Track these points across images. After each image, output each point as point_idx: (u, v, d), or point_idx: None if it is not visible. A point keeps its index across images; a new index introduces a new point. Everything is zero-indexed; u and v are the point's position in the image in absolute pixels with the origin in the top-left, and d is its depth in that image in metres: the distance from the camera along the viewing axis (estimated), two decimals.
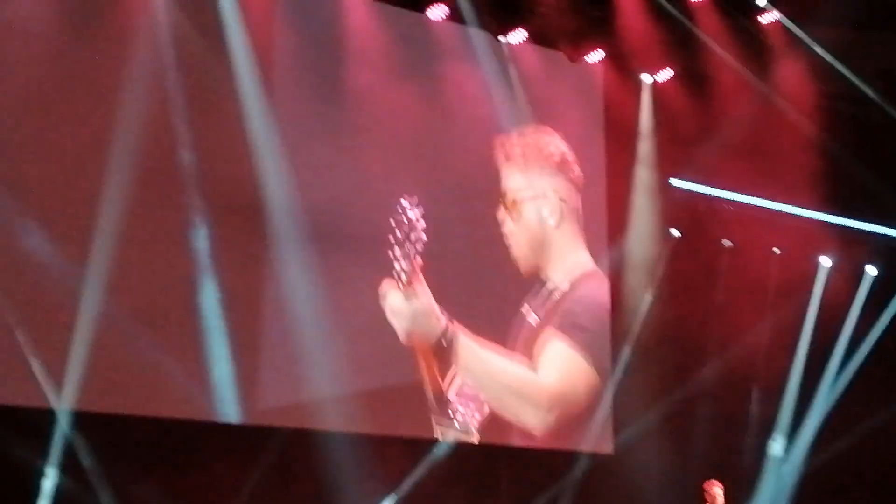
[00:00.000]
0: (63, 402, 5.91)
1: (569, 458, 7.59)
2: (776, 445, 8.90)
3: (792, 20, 8.15)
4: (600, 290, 7.12)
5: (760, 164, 8.71)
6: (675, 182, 8.59)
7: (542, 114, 7.88)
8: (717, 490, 7.32)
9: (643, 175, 8.48)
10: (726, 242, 8.84)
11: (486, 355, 6.26)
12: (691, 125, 8.40)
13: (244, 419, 6.49)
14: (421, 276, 5.63)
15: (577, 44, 8.08)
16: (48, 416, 5.88)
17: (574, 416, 6.63)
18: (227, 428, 6.43)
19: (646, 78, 8.48)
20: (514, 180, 6.78)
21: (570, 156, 6.89)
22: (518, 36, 7.83)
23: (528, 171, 6.77)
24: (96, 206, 6.10)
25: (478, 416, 6.34)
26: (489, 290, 7.23)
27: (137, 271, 6.25)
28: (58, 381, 5.90)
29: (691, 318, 8.53)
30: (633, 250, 8.35)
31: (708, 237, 8.81)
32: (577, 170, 6.89)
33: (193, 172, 6.38)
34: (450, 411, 6.28)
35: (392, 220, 5.41)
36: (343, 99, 7.20)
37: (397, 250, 5.46)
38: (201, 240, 6.40)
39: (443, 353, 5.98)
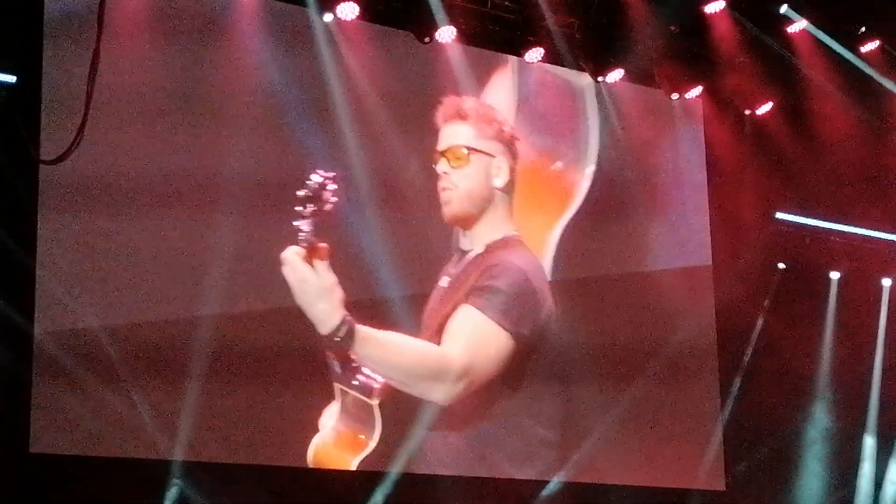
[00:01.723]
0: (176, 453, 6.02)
1: (680, 495, 7.55)
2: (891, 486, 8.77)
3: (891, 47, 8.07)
4: (518, 253, 6.78)
5: (867, 193, 8.62)
6: (780, 215, 8.52)
7: (643, 150, 7.93)
8: None
9: (748, 209, 8.42)
10: (834, 274, 8.74)
11: (384, 343, 6.14)
12: (794, 157, 8.35)
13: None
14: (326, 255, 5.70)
15: (674, 80, 8.06)
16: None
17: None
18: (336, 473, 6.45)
19: (746, 111, 8.43)
20: (467, 134, 6.66)
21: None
22: (616, 75, 7.84)
23: (483, 132, 6.69)
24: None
25: (379, 379, 6.18)
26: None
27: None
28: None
29: (801, 351, 8.44)
30: (739, 284, 8.29)
31: (815, 269, 8.72)
32: (520, 154, 6.86)
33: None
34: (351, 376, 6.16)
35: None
36: None
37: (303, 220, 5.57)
38: None
39: (336, 345, 5.91)
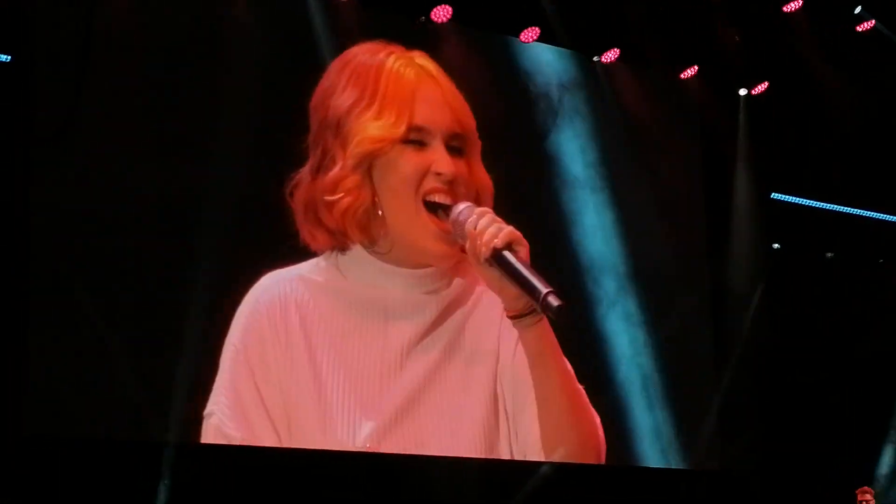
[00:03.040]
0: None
1: (674, 474, 7.55)
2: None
3: (889, 27, 8.06)
4: None
5: (863, 173, 8.62)
6: (775, 195, 8.52)
7: (638, 131, 7.92)
8: (868, 496, 7.22)
9: (743, 190, 8.42)
10: (829, 255, 8.75)
11: None
12: (790, 137, 8.35)
13: None
14: None
15: (669, 60, 8.04)
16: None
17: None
18: None
19: (742, 91, 8.41)
20: None
21: None
22: (611, 55, 7.82)
23: None
24: None
25: None
26: None
27: None
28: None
29: (796, 332, 8.45)
30: (734, 265, 8.30)
31: (811, 250, 8.73)
32: None
33: None
34: None
35: None
36: None
37: None
38: None
39: None
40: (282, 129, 5.25)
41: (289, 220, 4.42)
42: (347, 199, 4.10)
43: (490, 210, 3.63)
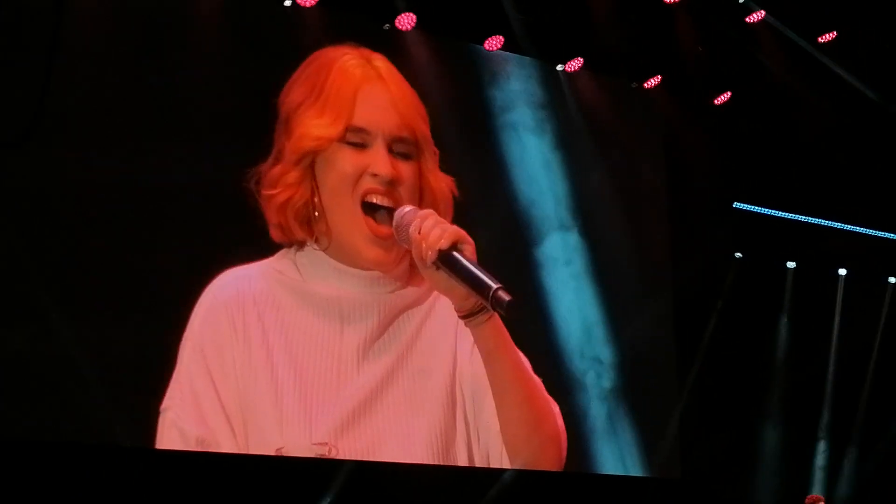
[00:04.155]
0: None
1: (637, 483, 7.57)
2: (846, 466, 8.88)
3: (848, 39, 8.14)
4: None
5: (823, 183, 8.69)
6: (738, 205, 8.58)
7: (602, 140, 7.96)
8: None
9: (706, 199, 8.48)
10: (790, 264, 8.80)
11: None
12: (752, 147, 8.41)
13: None
14: None
15: (634, 70, 8.10)
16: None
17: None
18: None
19: (704, 101, 8.47)
20: None
21: None
22: (575, 64, 7.86)
23: None
24: None
25: None
26: None
27: None
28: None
29: (757, 340, 8.51)
30: (697, 274, 8.34)
31: (772, 259, 8.79)
32: None
33: None
34: None
35: None
36: None
37: None
38: None
39: None
40: (247, 126, 5.26)
41: (252, 216, 4.42)
42: (285, 194, 4.09)
43: (433, 212, 3.51)
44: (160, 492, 5.55)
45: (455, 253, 3.32)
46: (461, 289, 3.41)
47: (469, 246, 3.36)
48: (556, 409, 4.17)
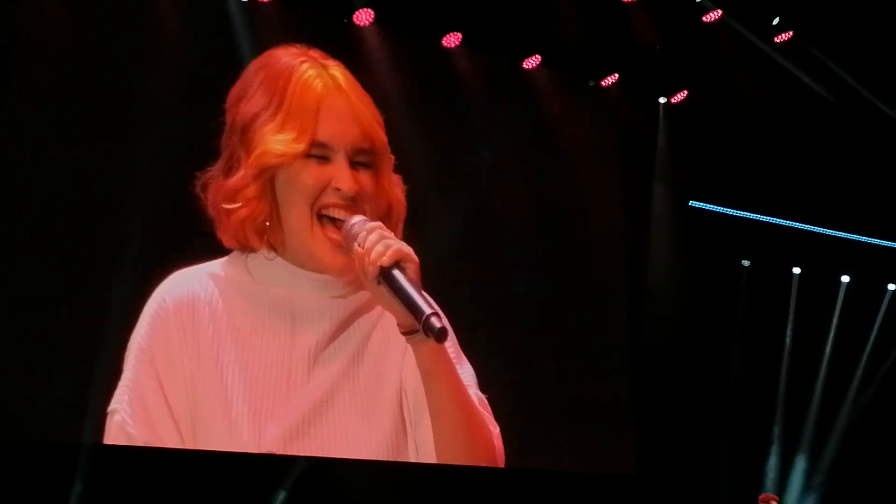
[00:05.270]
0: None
1: (589, 479, 7.59)
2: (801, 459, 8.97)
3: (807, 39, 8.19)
4: None
5: (779, 182, 8.74)
6: (693, 203, 8.62)
7: (559, 137, 7.97)
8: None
9: (661, 197, 8.52)
10: (745, 262, 8.86)
11: None
12: (708, 145, 8.45)
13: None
14: None
15: (592, 67, 8.12)
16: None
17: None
18: None
19: (661, 99, 8.51)
20: None
21: None
22: (532, 61, 7.88)
23: None
24: None
25: None
26: None
27: None
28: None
29: (712, 338, 8.55)
30: (652, 273, 8.39)
31: (727, 258, 8.84)
32: None
33: None
34: None
35: None
36: None
37: None
38: None
39: None
40: (202, 125, 5.23)
41: (202, 218, 4.40)
42: (245, 210, 4.05)
43: (381, 225, 3.47)
44: (105, 488, 5.54)
45: (395, 272, 3.28)
46: (401, 306, 3.39)
47: (412, 265, 3.32)
48: (495, 431, 4.17)
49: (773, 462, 8.85)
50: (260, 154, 4.04)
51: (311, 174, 4.04)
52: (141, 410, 4.07)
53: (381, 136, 4.25)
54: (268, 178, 4.07)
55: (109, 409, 4.15)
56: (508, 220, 7.62)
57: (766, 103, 8.29)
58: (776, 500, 7.35)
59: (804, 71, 8.28)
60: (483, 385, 4.45)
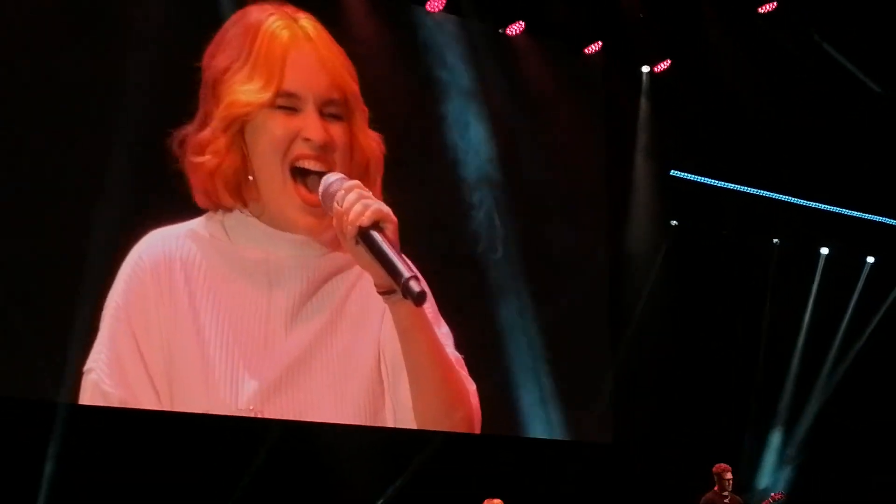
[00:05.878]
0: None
1: (568, 447, 7.62)
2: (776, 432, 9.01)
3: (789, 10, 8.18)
4: None
5: (762, 154, 8.74)
6: (675, 173, 8.61)
7: (542, 104, 7.95)
8: (727, 474, 7.33)
9: (643, 166, 8.51)
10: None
11: None
12: (691, 115, 8.43)
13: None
14: None
15: (575, 35, 8.09)
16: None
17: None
18: None
19: (645, 68, 8.49)
20: None
21: None
22: (517, 27, 7.84)
23: None
24: None
25: None
26: None
27: None
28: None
29: (691, 308, 8.56)
30: (632, 240, 8.39)
31: (707, 227, 8.83)
32: None
33: None
34: None
35: None
36: None
37: None
38: None
39: None
40: (176, 86, 5.20)
41: (178, 177, 4.37)
42: (213, 161, 4.06)
43: (359, 184, 3.40)
44: (83, 448, 5.54)
45: (374, 233, 3.22)
46: (379, 267, 3.37)
47: (391, 225, 3.28)
48: (472, 388, 4.18)
49: (748, 434, 8.88)
50: (227, 105, 4.03)
51: (279, 124, 4.04)
52: (117, 369, 4.08)
53: (353, 87, 4.23)
54: (237, 129, 4.06)
55: (85, 367, 4.16)
56: (489, 186, 7.59)
57: (750, 74, 8.26)
58: (729, 470, 7.39)
59: (788, 41, 8.26)
60: (459, 348, 4.47)
